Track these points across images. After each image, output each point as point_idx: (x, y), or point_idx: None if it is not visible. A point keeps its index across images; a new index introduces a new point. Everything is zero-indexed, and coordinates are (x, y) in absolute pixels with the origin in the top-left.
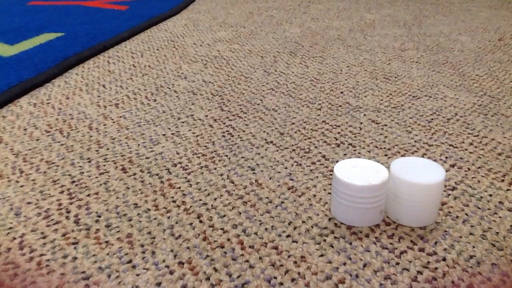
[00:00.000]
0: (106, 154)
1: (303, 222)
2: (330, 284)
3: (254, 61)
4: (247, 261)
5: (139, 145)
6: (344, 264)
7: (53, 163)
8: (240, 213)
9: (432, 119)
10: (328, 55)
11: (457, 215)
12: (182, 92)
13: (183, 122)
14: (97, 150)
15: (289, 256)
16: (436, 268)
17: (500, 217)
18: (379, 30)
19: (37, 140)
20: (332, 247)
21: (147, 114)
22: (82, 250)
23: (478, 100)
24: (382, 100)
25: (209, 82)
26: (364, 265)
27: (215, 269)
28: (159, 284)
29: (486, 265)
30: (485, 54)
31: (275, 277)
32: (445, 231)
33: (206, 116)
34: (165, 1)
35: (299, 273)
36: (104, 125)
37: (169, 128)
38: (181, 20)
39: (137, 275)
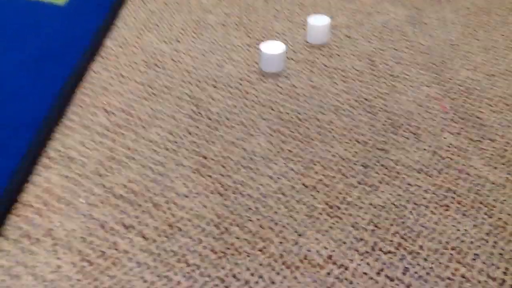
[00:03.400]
0: (197, 78)
1: None
2: None
3: None
4: None
5: (211, 68)
6: None
7: (170, 88)
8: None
9: (381, 31)
10: None
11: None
12: (215, 25)
13: (230, 50)
14: (190, 76)
15: None
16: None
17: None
18: None
19: (146, 73)
20: None
21: (203, 46)
22: None
23: (409, 12)
24: (349, 18)
25: (230, 14)
26: None
27: None
28: None
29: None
30: None
31: None
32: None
33: (242, 42)
34: None
35: None
36: (181, 57)
37: (225, 55)
38: None
39: None
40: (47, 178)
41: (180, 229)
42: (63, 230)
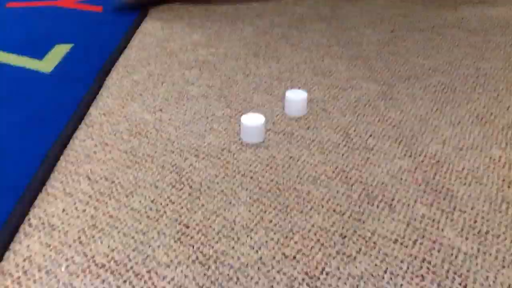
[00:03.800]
0: (179, 147)
1: None
2: None
3: (232, 65)
4: None
5: (193, 138)
6: None
7: (153, 156)
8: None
9: (355, 105)
10: (281, 55)
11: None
12: (197, 96)
13: (211, 120)
14: (172, 145)
15: None
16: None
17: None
18: (308, 25)
19: (129, 141)
20: None
21: (185, 116)
22: None
23: (380, 88)
24: (324, 92)
25: (211, 86)
26: None
27: None
28: None
29: None
30: (383, 47)
31: None
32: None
33: (223, 113)
34: None
35: None
36: (163, 126)
37: (206, 125)
38: (154, 22)
39: None
40: (28, 246)
41: None
42: None
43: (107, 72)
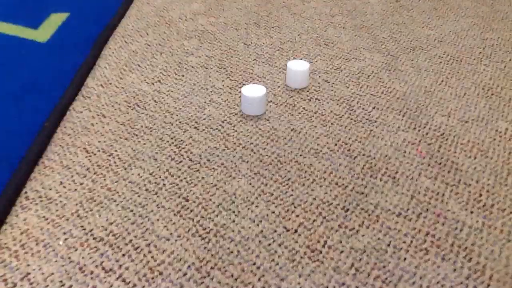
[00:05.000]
0: (179, 119)
1: None
2: None
3: (232, 35)
4: None
5: (192, 110)
6: None
7: (152, 128)
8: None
9: (359, 77)
10: (282, 25)
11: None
12: (196, 67)
13: (211, 92)
14: (171, 117)
15: None
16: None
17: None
18: None
19: (127, 113)
20: None
21: (185, 87)
22: None
23: (384, 59)
24: (327, 63)
25: (211, 56)
26: None
27: None
28: None
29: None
30: (387, 16)
31: None
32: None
33: (223, 85)
34: None
35: None
36: (162, 98)
37: (206, 96)
38: None
39: None
40: (25, 220)
41: (161, 273)
42: (41, 274)
43: (104, 42)
